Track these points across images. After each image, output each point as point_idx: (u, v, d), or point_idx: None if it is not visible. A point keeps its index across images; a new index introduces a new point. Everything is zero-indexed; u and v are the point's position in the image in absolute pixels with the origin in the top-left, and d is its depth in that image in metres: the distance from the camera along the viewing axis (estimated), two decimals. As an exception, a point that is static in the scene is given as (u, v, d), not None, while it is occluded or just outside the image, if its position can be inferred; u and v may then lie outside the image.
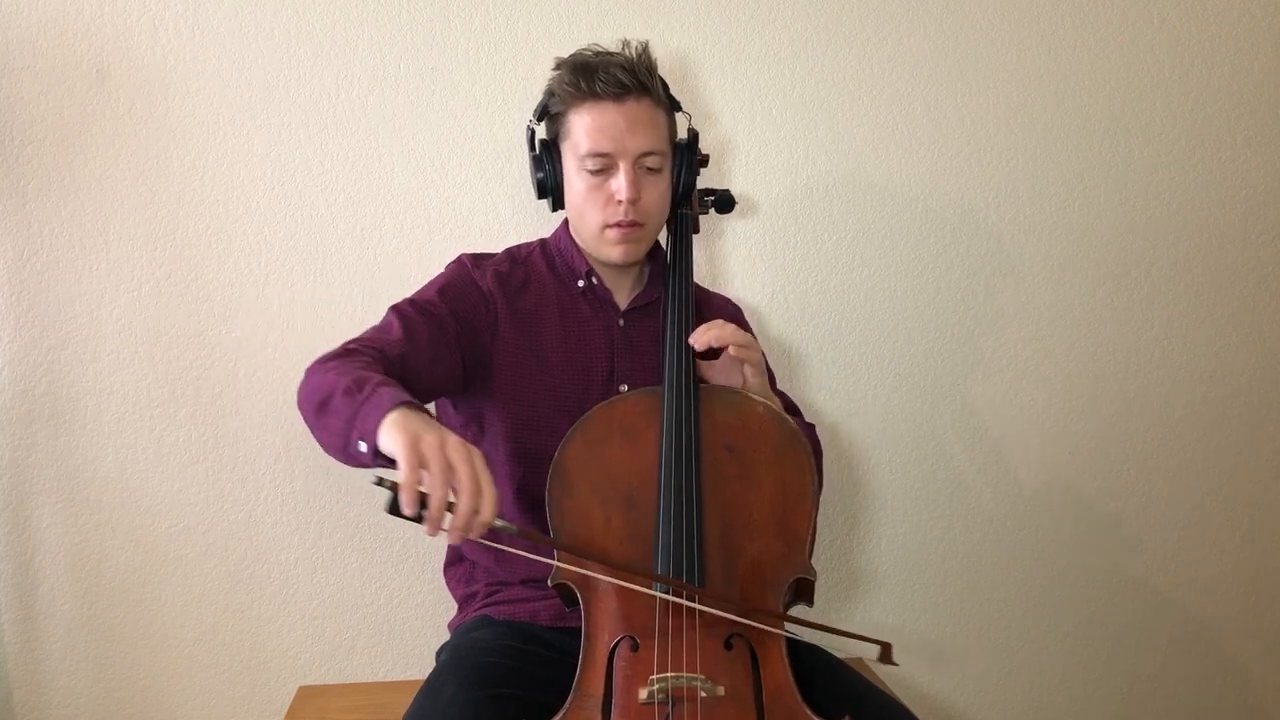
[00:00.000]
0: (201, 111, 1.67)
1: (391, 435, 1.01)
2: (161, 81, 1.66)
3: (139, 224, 1.68)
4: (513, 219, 1.74)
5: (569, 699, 1.14)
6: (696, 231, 1.50)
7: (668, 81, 1.39)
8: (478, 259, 1.43)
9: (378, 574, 1.79)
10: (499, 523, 1.02)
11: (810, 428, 1.49)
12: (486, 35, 1.71)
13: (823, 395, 1.88)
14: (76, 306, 1.68)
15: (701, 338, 1.30)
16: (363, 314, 1.68)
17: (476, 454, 1.02)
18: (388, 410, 1.03)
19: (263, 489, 1.74)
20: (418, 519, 0.98)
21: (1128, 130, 1.89)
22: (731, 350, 1.29)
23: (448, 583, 1.50)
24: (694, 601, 1.16)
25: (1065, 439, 1.95)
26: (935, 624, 1.97)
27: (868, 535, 1.93)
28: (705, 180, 1.70)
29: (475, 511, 0.99)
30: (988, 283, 1.89)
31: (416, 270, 1.47)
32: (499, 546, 1.10)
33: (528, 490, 1.36)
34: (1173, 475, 1.99)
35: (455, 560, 1.49)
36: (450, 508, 0.99)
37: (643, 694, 1.11)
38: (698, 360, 1.34)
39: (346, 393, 1.09)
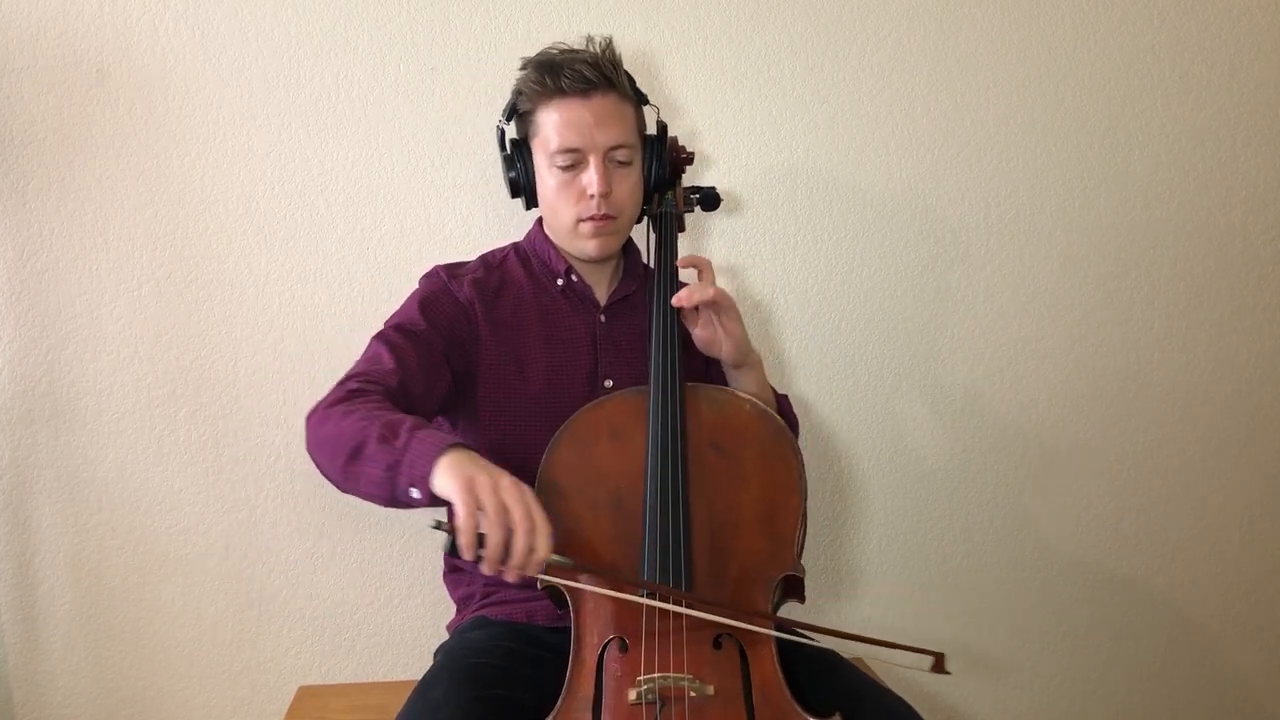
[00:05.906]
0: (201, 111, 1.67)
1: (446, 480, 1.03)
2: (161, 81, 1.66)
3: (139, 224, 1.68)
4: (512, 219, 1.73)
5: (560, 700, 1.14)
6: (682, 230, 1.49)
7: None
8: (452, 269, 1.43)
9: (378, 574, 1.79)
10: (555, 558, 1.06)
11: (783, 399, 1.49)
12: (486, 35, 1.71)
13: (823, 396, 1.88)
14: (76, 306, 1.68)
15: (689, 300, 1.31)
16: (363, 314, 1.69)
17: (529, 492, 1.04)
18: (438, 455, 1.04)
19: (263, 489, 1.74)
20: (476, 560, 1.02)
21: (1128, 130, 1.89)
22: (704, 296, 1.30)
23: (447, 585, 1.50)
24: (680, 606, 1.15)
25: (1065, 439, 1.95)
26: (935, 624, 1.97)
27: (868, 536, 1.93)
28: (703, 180, 1.70)
29: (531, 549, 1.02)
30: (987, 282, 1.89)
31: (416, 271, 1.47)
32: (561, 583, 1.14)
33: None
34: (1173, 475, 1.99)
35: (453, 567, 1.50)
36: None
37: (631, 695, 1.11)
38: (684, 315, 1.33)
39: (381, 440, 1.09)
